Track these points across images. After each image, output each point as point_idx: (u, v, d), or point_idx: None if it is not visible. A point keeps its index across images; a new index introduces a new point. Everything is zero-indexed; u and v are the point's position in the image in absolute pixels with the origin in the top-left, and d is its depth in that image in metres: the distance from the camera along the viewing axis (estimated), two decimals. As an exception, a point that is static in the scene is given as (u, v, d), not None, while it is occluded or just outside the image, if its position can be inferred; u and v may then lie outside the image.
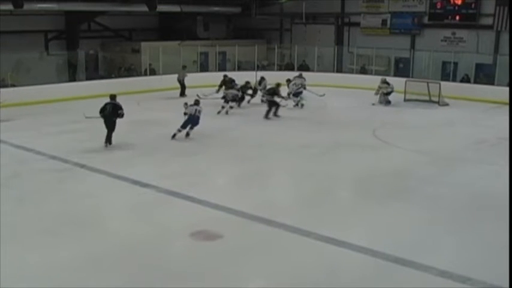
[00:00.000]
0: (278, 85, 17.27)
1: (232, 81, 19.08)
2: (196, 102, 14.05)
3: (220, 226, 8.18)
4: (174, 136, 13.69)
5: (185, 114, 13.75)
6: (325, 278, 6.69)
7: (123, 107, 12.77)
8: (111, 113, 12.62)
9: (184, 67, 22.56)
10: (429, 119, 17.38)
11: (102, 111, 12.70)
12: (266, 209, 8.90)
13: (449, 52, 22.72)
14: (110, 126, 12.72)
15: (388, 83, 19.82)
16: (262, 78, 19.78)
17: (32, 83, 19.59)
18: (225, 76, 20.09)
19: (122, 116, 12.70)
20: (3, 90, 17.73)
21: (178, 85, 21.82)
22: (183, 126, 13.77)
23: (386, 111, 18.63)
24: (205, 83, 23.24)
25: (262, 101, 17.59)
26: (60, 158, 11.92)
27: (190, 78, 23.68)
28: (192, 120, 13.78)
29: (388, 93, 19.76)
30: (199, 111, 13.88)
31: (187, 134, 13.88)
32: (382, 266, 6.98)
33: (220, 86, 19.50)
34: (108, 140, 12.75)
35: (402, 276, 6.76)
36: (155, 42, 25.37)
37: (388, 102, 19.68)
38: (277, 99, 16.80)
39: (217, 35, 28.30)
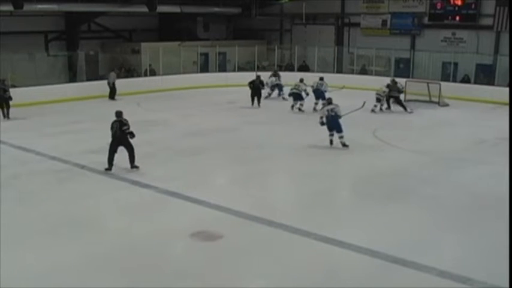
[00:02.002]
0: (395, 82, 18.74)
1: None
2: (329, 101, 12.78)
3: (221, 226, 8.18)
4: (331, 142, 12.75)
5: (321, 121, 12.61)
6: (325, 278, 6.69)
7: (128, 122, 11.09)
8: (121, 131, 11.03)
9: (114, 70, 21.69)
10: (429, 119, 17.39)
11: (111, 130, 11.17)
12: (266, 209, 8.90)
13: (450, 52, 22.75)
14: (126, 146, 11.09)
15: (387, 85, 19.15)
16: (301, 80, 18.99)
17: (32, 84, 19.61)
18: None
19: (130, 134, 11.01)
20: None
21: (177, 85, 21.82)
22: (330, 130, 12.66)
23: (387, 111, 18.61)
24: (205, 83, 23.43)
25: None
26: (60, 159, 11.93)
27: (192, 79, 23.79)
28: (331, 124, 12.37)
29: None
30: (335, 111, 12.37)
31: (343, 144, 12.69)
32: (382, 266, 6.98)
33: None
34: (132, 161, 11.11)
35: (402, 276, 6.76)
36: (155, 43, 25.39)
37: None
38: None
39: (217, 36, 28.33)
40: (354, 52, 25.71)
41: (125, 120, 11.14)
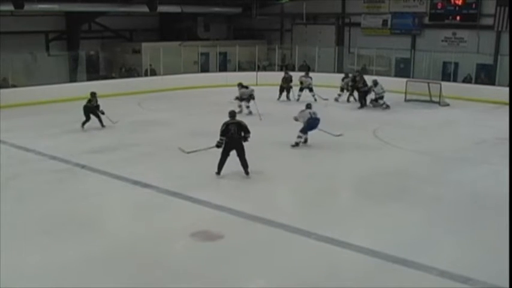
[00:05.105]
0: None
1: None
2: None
3: (221, 226, 8.18)
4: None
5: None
6: (325, 278, 6.68)
7: (249, 128, 10.56)
8: (239, 134, 10.46)
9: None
10: (430, 119, 17.38)
11: (226, 132, 10.45)
12: (267, 209, 8.90)
13: (450, 52, 22.73)
14: (239, 151, 10.47)
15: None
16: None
17: (33, 84, 19.62)
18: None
19: (246, 139, 10.52)
20: (3, 91, 17.74)
21: (177, 85, 21.79)
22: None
23: (387, 111, 18.62)
24: (205, 83, 23.41)
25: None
26: (61, 159, 11.92)
27: (192, 79, 23.74)
28: None
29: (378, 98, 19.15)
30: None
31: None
32: (382, 266, 6.98)
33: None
34: (245, 167, 10.51)
35: (402, 276, 6.76)
36: (156, 42, 25.38)
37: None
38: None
39: (217, 36, 28.30)
40: (355, 52, 25.68)
41: (243, 122, 10.61)
